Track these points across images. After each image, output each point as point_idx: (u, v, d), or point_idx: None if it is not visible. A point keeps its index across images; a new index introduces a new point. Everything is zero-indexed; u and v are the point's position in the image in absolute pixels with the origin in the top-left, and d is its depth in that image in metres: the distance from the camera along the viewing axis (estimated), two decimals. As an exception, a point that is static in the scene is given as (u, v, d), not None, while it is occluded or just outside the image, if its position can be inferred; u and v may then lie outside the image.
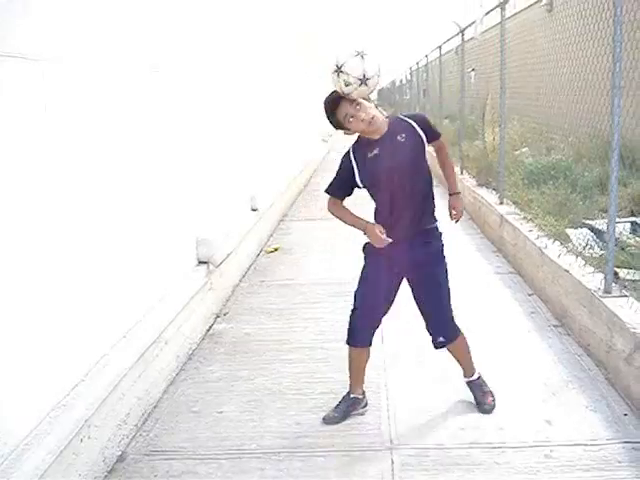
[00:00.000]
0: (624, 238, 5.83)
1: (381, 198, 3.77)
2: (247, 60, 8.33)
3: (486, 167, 9.57)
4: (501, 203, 8.12)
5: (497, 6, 8.23)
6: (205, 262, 5.67)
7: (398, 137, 3.65)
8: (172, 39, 5.24)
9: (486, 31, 10.63)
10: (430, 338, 4.01)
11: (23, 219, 3.02)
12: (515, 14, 14.32)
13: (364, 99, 3.58)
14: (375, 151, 3.65)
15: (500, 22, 8.11)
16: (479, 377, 4.19)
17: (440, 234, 3.89)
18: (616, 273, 4.93)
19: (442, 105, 14.95)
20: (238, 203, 7.53)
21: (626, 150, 6.07)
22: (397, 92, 35.95)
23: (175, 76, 5.29)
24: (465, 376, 4.20)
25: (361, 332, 3.96)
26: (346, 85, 3.45)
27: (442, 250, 3.88)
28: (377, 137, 3.66)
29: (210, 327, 5.63)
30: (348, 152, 3.76)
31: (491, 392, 4.15)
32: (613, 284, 4.68)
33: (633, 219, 6.63)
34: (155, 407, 4.28)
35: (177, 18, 5.40)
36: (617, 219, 4.95)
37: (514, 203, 7.94)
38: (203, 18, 6.19)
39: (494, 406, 4.07)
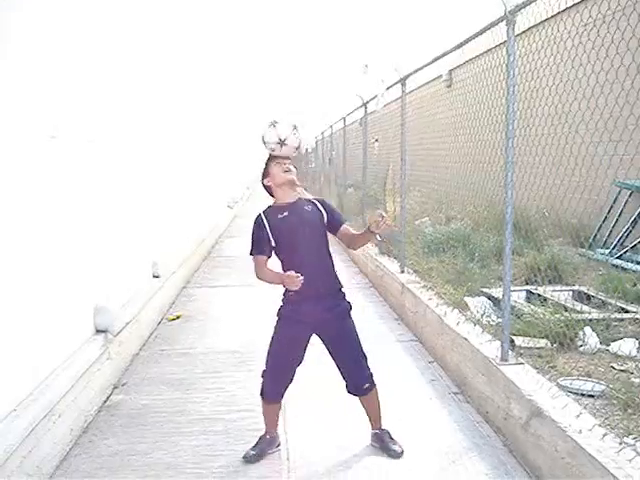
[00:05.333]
0: (519, 306, 6.01)
1: (291, 259, 4.09)
2: (153, 130, 8.31)
3: (388, 236, 9.73)
4: (402, 272, 8.26)
5: (397, 82, 8.52)
6: (103, 331, 5.50)
7: (305, 207, 4.22)
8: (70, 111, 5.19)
9: (388, 104, 10.95)
10: (349, 388, 4.30)
11: None
12: (416, 89, 14.85)
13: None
14: (285, 213, 4.12)
15: (401, 96, 8.40)
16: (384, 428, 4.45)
17: (344, 295, 4.26)
18: (512, 341, 5.06)
19: (346, 174, 15.25)
20: (139, 270, 7.39)
21: (521, 220, 6.32)
22: (303, 159, 36.45)
23: (73, 144, 5.22)
24: (374, 427, 4.44)
25: (272, 390, 4.25)
26: (272, 150, 4.17)
27: (349, 309, 4.27)
28: (288, 202, 4.18)
29: (107, 398, 5.43)
30: (259, 215, 4.19)
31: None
32: (509, 352, 4.80)
33: (528, 287, 6.86)
34: (47, 484, 4.06)
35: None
36: (513, 288, 5.11)
37: (415, 272, 8.09)
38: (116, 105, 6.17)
39: (403, 451, 4.29)
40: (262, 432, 4.44)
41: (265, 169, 4.26)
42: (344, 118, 15.23)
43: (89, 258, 5.41)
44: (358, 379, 4.27)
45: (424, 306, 6.68)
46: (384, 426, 4.45)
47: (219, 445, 4.54)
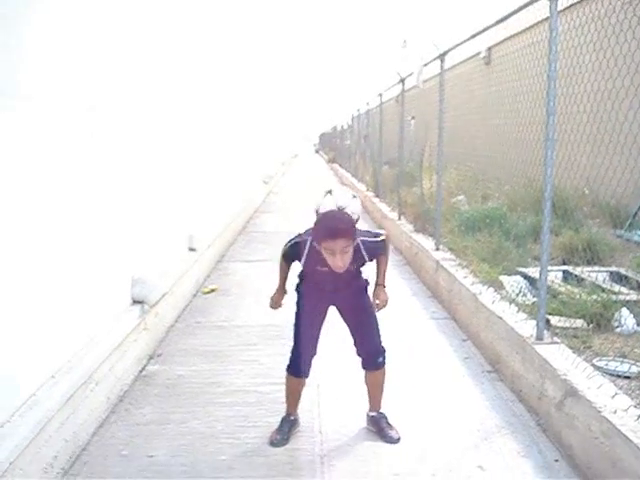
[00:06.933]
0: (556, 286, 5.96)
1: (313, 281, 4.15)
2: (189, 102, 8.34)
3: (423, 213, 9.70)
4: (437, 249, 8.22)
5: (436, 58, 8.44)
6: (140, 302, 5.58)
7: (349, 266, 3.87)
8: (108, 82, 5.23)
9: (426, 81, 10.85)
10: (363, 363, 4.28)
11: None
12: (454, 66, 14.70)
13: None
14: (326, 268, 3.83)
15: (439, 73, 8.31)
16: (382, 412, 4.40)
17: (361, 273, 4.22)
18: (548, 320, 5.03)
19: (382, 151, 15.17)
20: (176, 242, 7.46)
21: (559, 200, 6.24)
22: (338, 137, 36.37)
23: (112, 115, 5.26)
24: (372, 410, 4.40)
25: (300, 364, 4.23)
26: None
27: (367, 285, 4.25)
28: None
29: (143, 368, 5.51)
30: (301, 243, 4.00)
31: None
32: (545, 331, 4.77)
33: (565, 267, 6.80)
34: (84, 450, 4.13)
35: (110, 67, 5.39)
36: (549, 267, 5.07)
37: (450, 249, 8.05)
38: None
39: (400, 437, 4.22)
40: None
41: (331, 239, 3.69)
42: (381, 94, 15.10)
43: (127, 230, 5.47)
44: (372, 351, 4.24)
45: (459, 284, 6.66)
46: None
47: (253, 416, 4.60)
